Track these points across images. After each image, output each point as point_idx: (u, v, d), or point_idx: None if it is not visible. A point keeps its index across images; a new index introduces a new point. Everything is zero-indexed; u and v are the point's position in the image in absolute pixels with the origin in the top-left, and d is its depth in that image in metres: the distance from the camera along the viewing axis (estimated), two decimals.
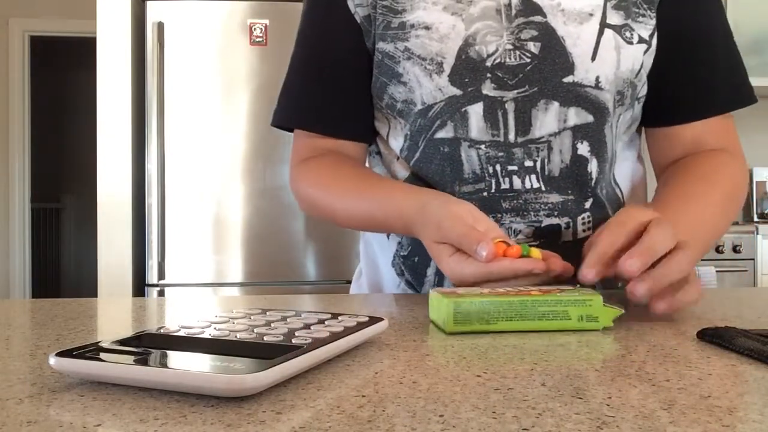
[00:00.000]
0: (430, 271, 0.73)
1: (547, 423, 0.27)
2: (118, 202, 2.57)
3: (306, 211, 0.80)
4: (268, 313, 0.44)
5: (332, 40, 0.76)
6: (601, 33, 0.68)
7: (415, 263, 0.74)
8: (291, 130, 0.80)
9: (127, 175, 2.58)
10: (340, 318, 0.43)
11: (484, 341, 0.44)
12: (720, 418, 0.28)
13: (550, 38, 0.67)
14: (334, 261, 2.66)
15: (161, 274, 2.55)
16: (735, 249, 2.79)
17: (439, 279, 0.73)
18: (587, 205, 0.70)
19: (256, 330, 0.38)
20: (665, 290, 0.49)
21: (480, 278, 0.54)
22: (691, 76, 0.73)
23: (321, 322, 0.41)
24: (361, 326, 0.40)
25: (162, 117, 2.55)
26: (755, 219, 3.36)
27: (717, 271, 2.73)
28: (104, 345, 0.34)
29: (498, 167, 0.69)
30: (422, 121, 0.71)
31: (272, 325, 0.39)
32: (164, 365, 0.31)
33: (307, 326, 0.39)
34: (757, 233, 2.81)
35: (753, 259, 2.81)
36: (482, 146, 0.69)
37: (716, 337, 0.43)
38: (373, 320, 0.43)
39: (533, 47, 0.67)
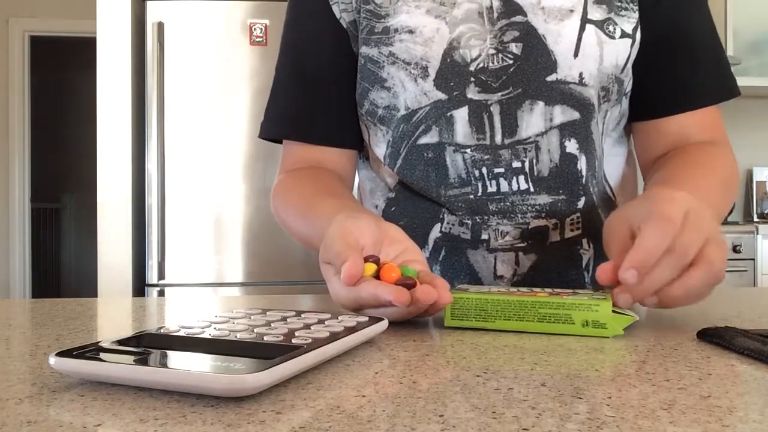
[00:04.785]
0: None
1: (547, 423, 0.27)
2: (118, 202, 2.57)
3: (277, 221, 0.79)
4: (268, 313, 0.44)
5: (318, 48, 0.75)
6: (582, 29, 0.67)
7: None
8: (280, 142, 0.79)
9: (127, 175, 2.58)
10: (340, 318, 0.43)
11: (484, 341, 0.44)
12: (720, 418, 0.28)
13: (531, 38, 0.67)
14: None
15: (161, 274, 2.55)
16: (735, 249, 2.79)
17: None
18: (579, 204, 0.70)
19: (256, 330, 0.38)
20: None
21: (352, 302, 0.48)
22: (675, 69, 0.72)
23: (321, 322, 0.41)
24: (361, 326, 0.40)
25: (162, 117, 2.55)
26: (755, 219, 3.36)
27: None
28: (104, 345, 0.34)
29: (484, 170, 0.68)
30: (405, 127, 0.70)
31: (272, 325, 0.39)
32: (164, 365, 0.31)
33: (307, 326, 0.39)
34: (757, 233, 2.82)
35: (753, 259, 2.81)
36: (468, 150, 0.68)
37: (716, 337, 0.43)
38: (373, 320, 0.43)
39: (515, 48, 0.67)
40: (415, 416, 0.28)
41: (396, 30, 0.69)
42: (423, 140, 0.70)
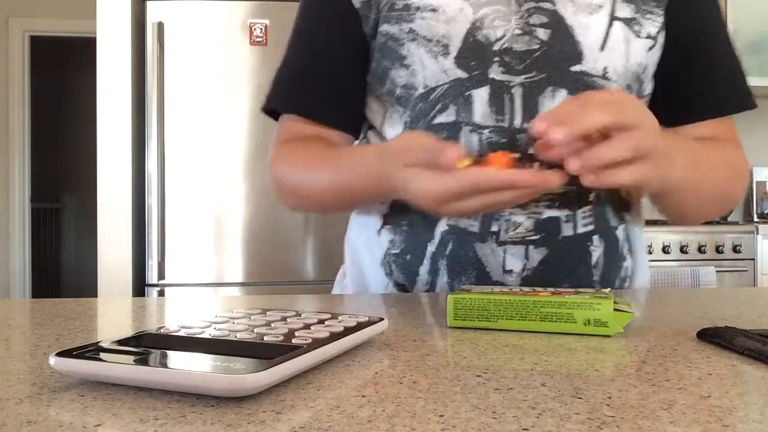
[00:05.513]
0: (423, 270, 0.73)
1: (547, 423, 0.27)
2: (118, 202, 2.57)
3: (278, 194, 0.77)
4: (268, 313, 0.44)
5: (327, 28, 0.76)
6: (610, 24, 0.69)
7: (407, 261, 0.74)
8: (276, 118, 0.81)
9: (127, 175, 2.58)
10: (340, 318, 0.43)
11: (484, 341, 0.44)
12: (720, 418, 0.28)
13: (559, 26, 0.68)
14: (334, 261, 2.65)
15: (161, 274, 2.55)
16: (735, 249, 2.79)
17: (432, 278, 0.72)
18: (591, 197, 0.70)
19: (256, 330, 0.38)
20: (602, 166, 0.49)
21: (457, 191, 0.51)
22: (697, 78, 0.74)
23: (321, 322, 0.41)
24: (361, 326, 0.40)
25: (162, 117, 2.55)
26: (755, 219, 3.36)
27: (717, 271, 2.73)
28: (104, 345, 0.34)
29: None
30: (422, 106, 0.71)
31: (272, 325, 0.39)
32: (164, 365, 0.31)
33: (307, 326, 0.39)
34: (757, 233, 2.82)
35: (753, 259, 2.81)
36: (485, 131, 0.68)
37: (716, 337, 0.43)
38: (373, 320, 0.43)
39: (542, 34, 0.68)
40: (415, 416, 0.28)
41: (418, 8, 0.69)
42: (439, 119, 0.70)
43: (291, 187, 0.75)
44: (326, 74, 0.76)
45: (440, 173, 0.52)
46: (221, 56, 2.59)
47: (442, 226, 0.72)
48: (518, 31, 0.68)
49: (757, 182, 3.40)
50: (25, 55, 4.50)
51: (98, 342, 0.34)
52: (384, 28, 0.71)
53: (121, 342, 0.35)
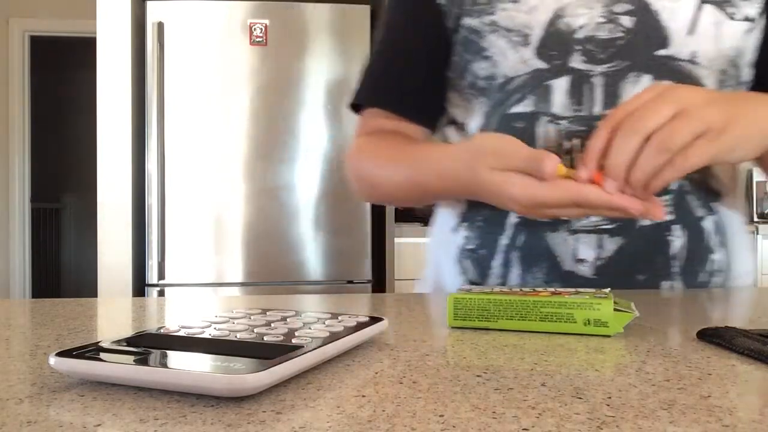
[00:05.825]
0: (496, 263, 0.73)
1: (547, 423, 0.27)
2: (118, 202, 2.57)
3: (356, 185, 0.79)
4: (268, 313, 0.44)
5: (411, 23, 0.78)
6: (699, 8, 0.67)
7: (480, 256, 0.74)
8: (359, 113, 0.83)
9: (127, 175, 2.58)
10: (340, 318, 0.43)
11: (484, 341, 0.44)
12: (720, 418, 0.28)
13: (644, 12, 0.67)
14: (334, 261, 2.66)
15: (161, 274, 2.55)
16: None
17: (505, 271, 0.72)
18: (673, 186, 0.69)
19: (256, 330, 0.38)
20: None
21: (559, 202, 0.52)
22: None
23: (321, 322, 0.41)
24: (361, 326, 0.40)
25: (162, 117, 2.55)
26: (755, 219, 3.36)
27: None
28: (104, 345, 0.34)
29: (576, 142, 0.67)
30: (500, 96, 0.70)
31: (272, 325, 0.39)
32: (164, 365, 0.31)
33: (307, 326, 0.39)
34: (757, 233, 2.82)
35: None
36: (563, 121, 0.68)
37: (716, 337, 0.43)
38: (373, 320, 0.43)
39: (627, 21, 0.67)
40: (415, 416, 0.28)
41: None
42: (516, 109, 0.70)
43: (370, 180, 0.76)
44: (409, 69, 0.77)
45: (537, 180, 0.53)
46: (221, 56, 2.59)
47: (513, 218, 0.71)
48: (601, 19, 0.67)
49: (757, 182, 3.40)
50: (25, 55, 4.50)
51: (98, 342, 0.34)
52: (466, 21, 0.72)
53: (121, 342, 0.35)
